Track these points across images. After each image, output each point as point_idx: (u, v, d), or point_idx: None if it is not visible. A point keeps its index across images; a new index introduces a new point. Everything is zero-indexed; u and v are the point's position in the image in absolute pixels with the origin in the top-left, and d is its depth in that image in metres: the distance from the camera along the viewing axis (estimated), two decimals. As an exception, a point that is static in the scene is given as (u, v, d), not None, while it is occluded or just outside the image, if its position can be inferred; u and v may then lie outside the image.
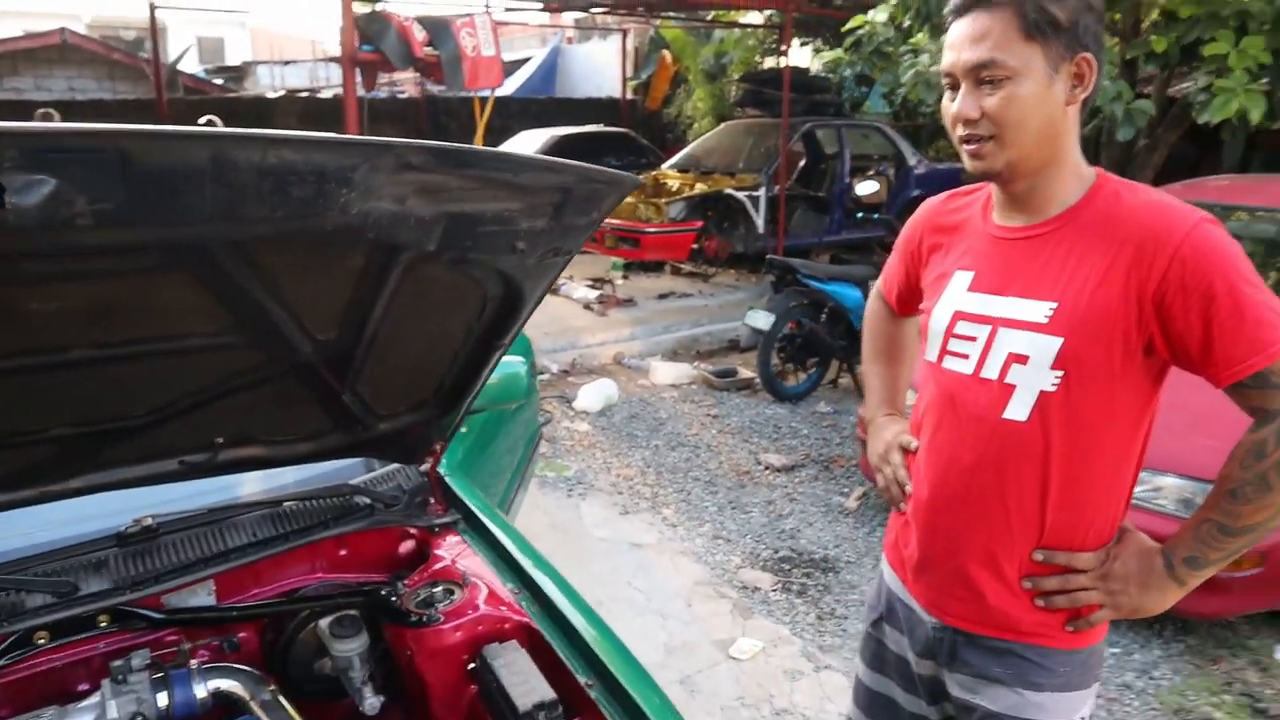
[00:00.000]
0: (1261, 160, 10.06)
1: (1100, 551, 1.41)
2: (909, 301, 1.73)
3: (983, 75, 1.30)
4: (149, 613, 1.67)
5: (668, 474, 4.77)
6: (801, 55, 12.42)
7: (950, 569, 1.48)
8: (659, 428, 5.46)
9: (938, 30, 6.17)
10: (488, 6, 6.59)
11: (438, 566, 1.91)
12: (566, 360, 6.59)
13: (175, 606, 1.73)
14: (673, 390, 6.18)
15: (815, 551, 3.96)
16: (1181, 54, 5.61)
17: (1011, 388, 1.37)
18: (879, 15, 6.29)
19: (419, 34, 5.87)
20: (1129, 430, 1.38)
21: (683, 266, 9.54)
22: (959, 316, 1.44)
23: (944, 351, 1.47)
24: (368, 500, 2.04)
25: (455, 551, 1.98)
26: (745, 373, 6.41)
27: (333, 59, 17.59)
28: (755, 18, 12.97)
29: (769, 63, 13.93)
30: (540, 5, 12.41)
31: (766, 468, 4.86)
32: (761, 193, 8.94)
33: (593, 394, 5.70)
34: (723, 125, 11.19)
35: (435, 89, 13.57)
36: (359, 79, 6.06)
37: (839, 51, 6.61)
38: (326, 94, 15.35)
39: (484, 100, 6.47)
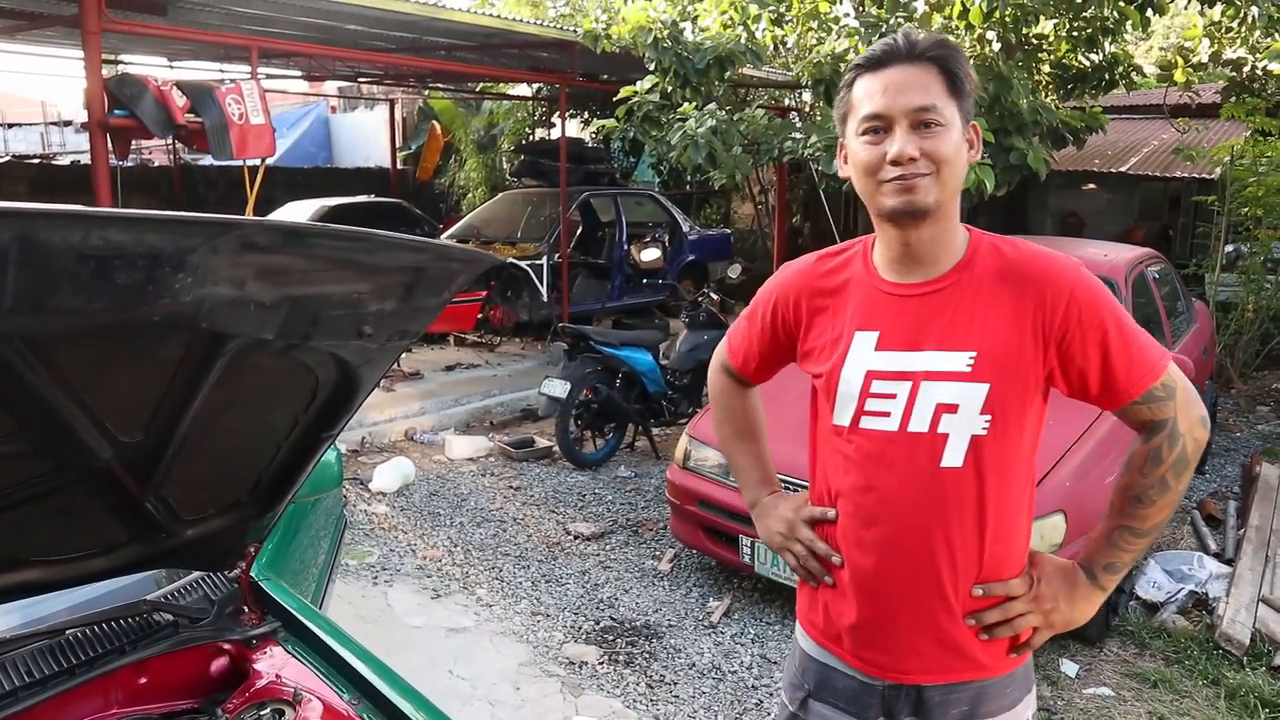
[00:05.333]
0: (985, 224, 11.31)
1: (1025, 577, 1.49)
2: (769, 368, 1.72)
3: (924, 118, 1.35)
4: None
5: (476, 552, 4.60)
6: (570, 126, 12.72)
7: (904, 628, 1.47)
8: (461, 504, 5.28)
9: (697, 94, 6.53)
10: (252, 72, 6.27)
11: (261, 684, 1.72)
12: (355, 440, 6.27)
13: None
14: (471, 464, 6.02)
15: (636, 618, 3.93)
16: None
17: (945, 436, 1.41)
18: (644, 85, 6.57)
19: (179, 99, 5.48)
20: (1032, 456, 1.49)
21: (467, 337, 9.40)
22: (873, 376, 1.45)
23: (860, 413, 1.46)
24: (170, 616, 1.80)
25: (278, 664, 1.79)
26: (542, 442, 6.34)
27: (67, 122, 16.17)
28: (525, 90, 13.18)
29: (540, 134, 14.20)
30: (300, 73, 12.04)
31: (576, 537, 4.80)
32: (544, 261, 9.01)
33: (389, 473, 5.43)
34: (500, 195, 11.25)
35: (191, 157, 12.74)
36: (110, 146, 5.57)
37: (611, 121, 6.82)
38: (63, 160, 14.02)
39: (253, 170, 6.12)
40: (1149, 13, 6.25)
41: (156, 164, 14.09)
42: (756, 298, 1.68)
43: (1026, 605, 1.46)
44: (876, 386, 1.44)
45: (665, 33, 6.22)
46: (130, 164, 11.96)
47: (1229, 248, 7.86)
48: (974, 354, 1.39)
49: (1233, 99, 7.12)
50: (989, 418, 1.39)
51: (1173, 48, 7.90)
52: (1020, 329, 1.39)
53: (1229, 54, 7.07)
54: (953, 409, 1.40)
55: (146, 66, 9.56)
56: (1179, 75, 7.09)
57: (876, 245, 1.50)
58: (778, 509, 1.66)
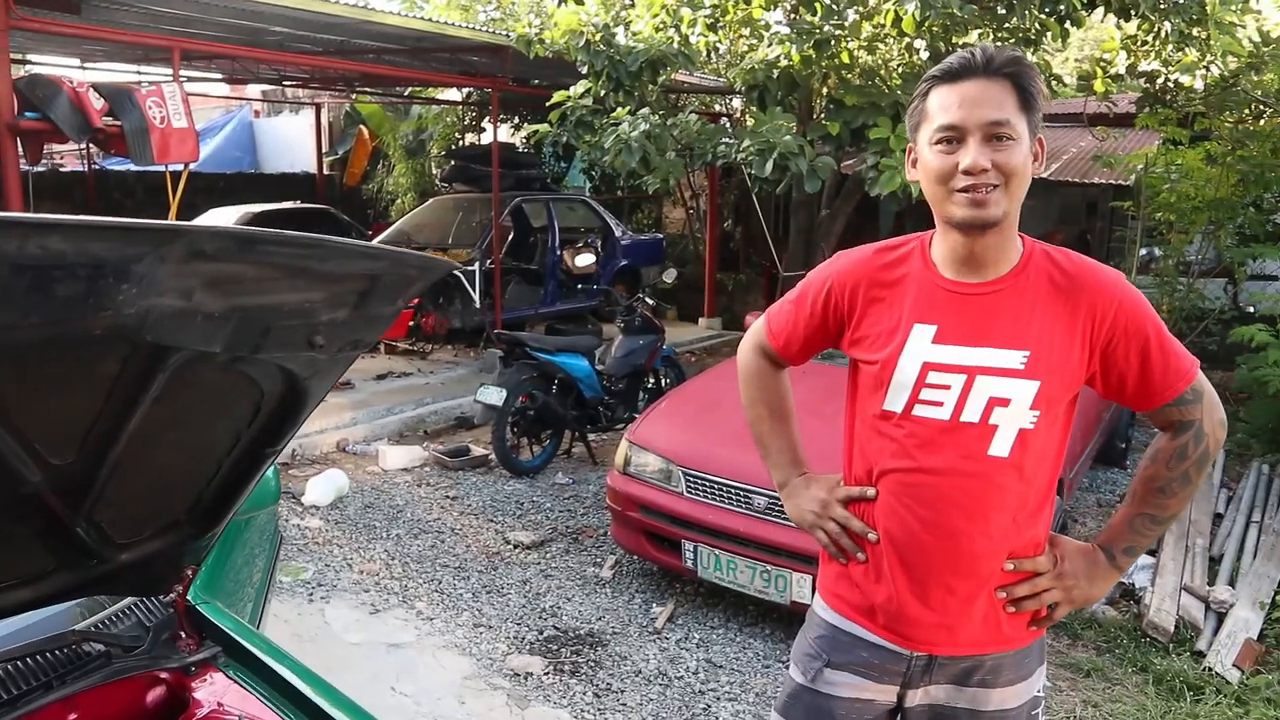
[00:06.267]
0: (911, 226, 11.55)
1: (1049, 555, 1.60)
2: (809, 352, 1.77)
3: (997, 132, 1.43)
4: None
5: (414, 564, 4.51)
6: (501, 131, 12.60)
7: (939, 602, 1.56)
8: (397, 516, 5.17)
9: (630, 97, 6.53)
10: (174, 74, 6.06)
11: (202, 714, 1.64)
12: (285, 452, 6.07)
13: None
14: (405, 474, 5.90)
15: (579, 627, 3.89)
16: (851, 136, 6.33)
17: (994, 428, 1.50)
18: (577, 90, 6.55)
19: (96, 102, 5.26)
20: (1063, 449, 1.60)
21: (398, 345, 9.23)
22: (929, 367, 1.52)
23: (914, 400, 1.54)
24: (101, 646, 1.71)
25: (220, 692, 1.71)
26: (478, 450, 6.26)
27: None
28: (454, 94, 13.02)
29: (469, 139, 14.04)
30: (222, 76, 11.70)
31: (516, 546, 4.74)
32: (476, 267, 8.89)
33: (322, 486, 5.29)
34: (431, 201, 11.07)
35: (107, 161, 12.26)
36: (21, 150, 5.32)
37: (544, 125, 6.77)
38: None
39: (176, 175, 5.91)
40: (1068, 25, 6.45)
41: (68, 169, 13.54)
42: (807, 283, 1.73)
43: (1051, 581, 1.57)
44: (932, 377, 1.52)
45: (597, 36, 6.21)
46: (41, 169, 11.46)
47: (1143, 251, 8.15)
48: (1028, 353, 1.48)
49: (1146, 109, 7.38)
50: (1037, 413, 1.49)
51: (1091, 59, 8.17)
52: (1071, 334, 1.49)
53: (1144, 66, 7.32)
54: (1004, 403, 1.49)
55: (58, 67, 9.20)
56: (1099, 85, 7.32)
57: (935, 244, 1.58)
58: (809, 489, 1.73)
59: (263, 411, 1.44)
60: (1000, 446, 1.50)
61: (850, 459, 1.68)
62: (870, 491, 1.61)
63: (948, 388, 1.51)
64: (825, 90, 7.20)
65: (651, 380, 6.78)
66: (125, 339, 1.03)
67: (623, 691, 3.41)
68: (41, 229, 0.84)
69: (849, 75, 6.81)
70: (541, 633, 3.84)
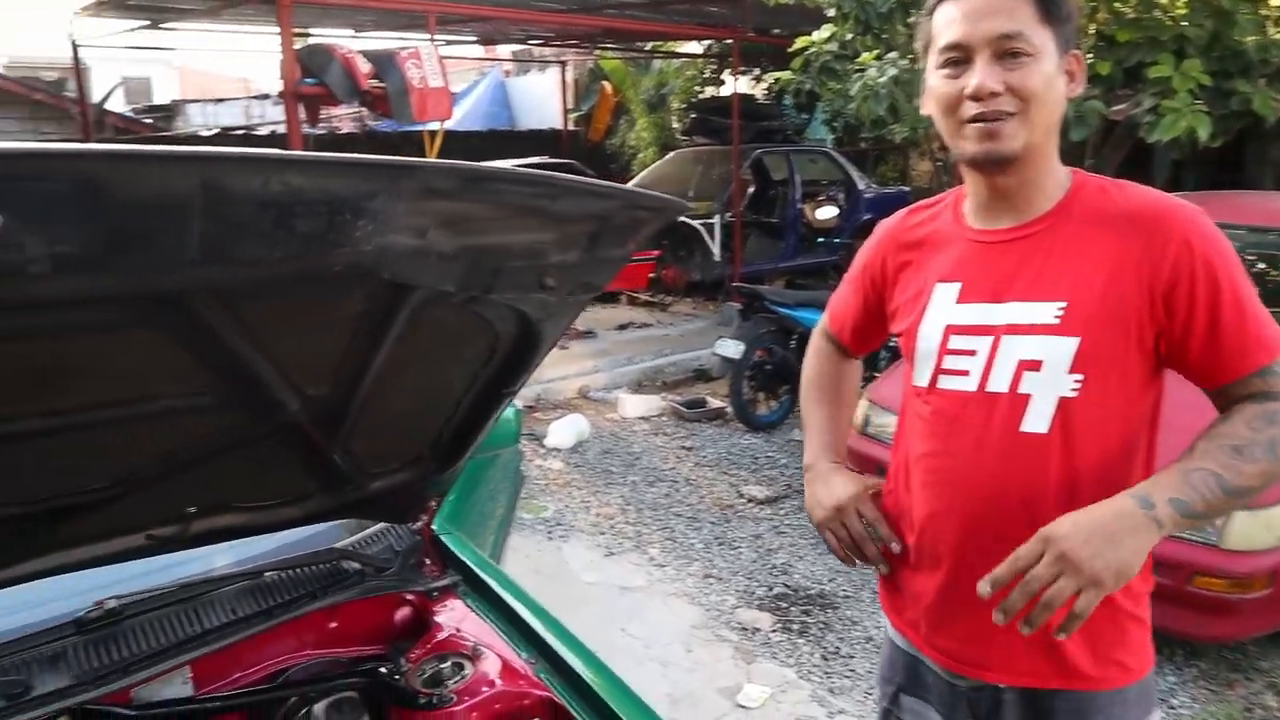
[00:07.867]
0: (1194, 180, 10.24)
1: (1036, 540, 1.14)
2: (866, 337, 1.59)
3: (1008, 47, 1.19)
4: (117, 710, 1.45)
5: (649, 511, 4.61)
6: (741, 83, 12.45)
7: (982, 612, 1.19)
8: (634, 462, 5.30)
9: (878, 41, 6.20)
10: (432, 39, 6.45)
11: (442, 636, 1.73)
12: (531, 396, 6.40)
13: (147, 700, 1.51)
14: (643, 423, 6.03)
15: (810, 587, 3.82)
16: (1124, 77, 5.69)
17: (1026, 398, 1.24)
18: (822, 34, 6.32)
19: (364, 66, 5.70)
20: (1143, 427, 1.28)
21: (639, 296, 9.43)
22: (951, 331, 1.32)
23: (938, 371, 1.33)
24: (357, 565, 1.85)
25: (459, 618, 1.79)
26: (714, 403, 6.28)
27: (265, 95, 17.30)
28: (694, 47, 13.00)
29: (709, 92, 13.99)
30: (475, 38, 12.32)
31: (749, 500, 4.72)
32: (716, 220, 8.88)
33: (564, 430, 5.52)
34: (671, 154, 11.17)
35: (377, 123, 13.34)
36: (302, 114, 5.87)
37: (786, 73, 6.58)
38: (262, 130, 15.01)
39: (433, 134, 6.31)
40: None
41: (344, 131, 14.84)
42: (855, 260, 1.55)
43: (1051, 566, 1.09)
44: (955, 342, 1.31)
45: (846, -25, 5.94)
46: (320, 132, 12.62)
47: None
48: (1064, 305, 1.22)
49: None
50: (1080, 377, 1.21)
51: None
52: (1121, 278, 1.20)
53: None
54: (1036, 365, 1.23)
55: (334, 37, 10.03)
56: None
57: (966, 192, 1.37)
58: (832, 480, 1.46)
59: (498, 353, 1.47)
60: (1036, 421, 1.22)
61: (896, 444, 1.47)
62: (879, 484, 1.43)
63: (973, 353, 1.27)
64: (1094, 27, 6.51)
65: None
66: (365, 276, 1.07)
67: (851, 657, 3.31)
68: (280, 165, 0.87)
69: (1122, 7, 6.11)
70: (771, 589, 3.81)
